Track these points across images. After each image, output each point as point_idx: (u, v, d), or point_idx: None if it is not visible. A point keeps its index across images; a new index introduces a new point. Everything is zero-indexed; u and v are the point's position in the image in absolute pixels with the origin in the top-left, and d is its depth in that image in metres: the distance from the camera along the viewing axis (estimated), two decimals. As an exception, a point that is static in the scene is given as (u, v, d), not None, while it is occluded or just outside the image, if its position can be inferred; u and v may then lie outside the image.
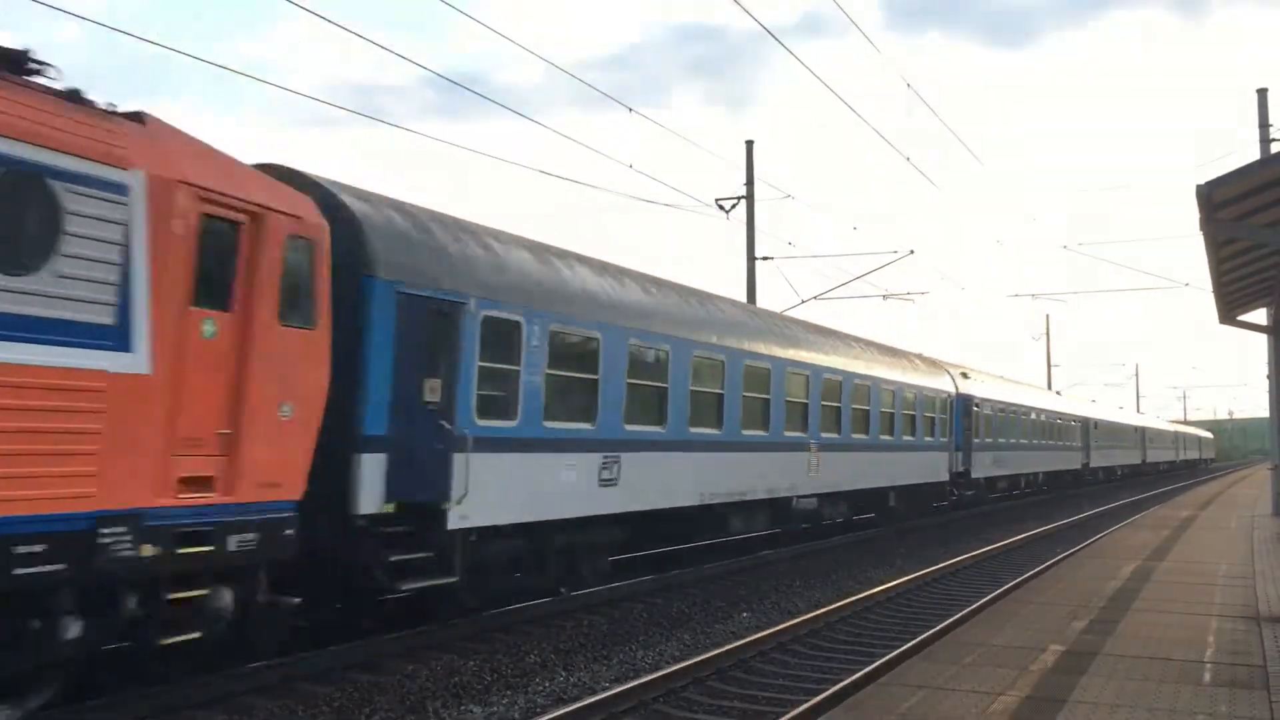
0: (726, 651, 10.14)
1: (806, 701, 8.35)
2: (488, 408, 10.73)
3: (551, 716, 7.82)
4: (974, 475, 28.73)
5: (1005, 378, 37.54)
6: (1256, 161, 13.08)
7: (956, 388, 27.85)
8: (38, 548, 6.30)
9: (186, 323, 7.29)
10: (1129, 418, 64.29)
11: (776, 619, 12.51)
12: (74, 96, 6.85)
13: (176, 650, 7.59)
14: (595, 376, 12.63)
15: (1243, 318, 21.57)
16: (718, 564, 16.56)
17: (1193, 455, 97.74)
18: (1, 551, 6.14)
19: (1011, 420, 33.13)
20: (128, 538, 6.82)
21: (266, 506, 7.94)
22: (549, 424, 11.71)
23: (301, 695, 8.58)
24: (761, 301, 26.86)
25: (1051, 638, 8.74)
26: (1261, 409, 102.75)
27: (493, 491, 10.65)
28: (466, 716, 8.30)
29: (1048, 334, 63.28)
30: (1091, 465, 47.82)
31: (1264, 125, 22.23)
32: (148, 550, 6.97)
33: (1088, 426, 46.85)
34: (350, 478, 9.14)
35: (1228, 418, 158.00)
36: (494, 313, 10.85)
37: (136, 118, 7.29)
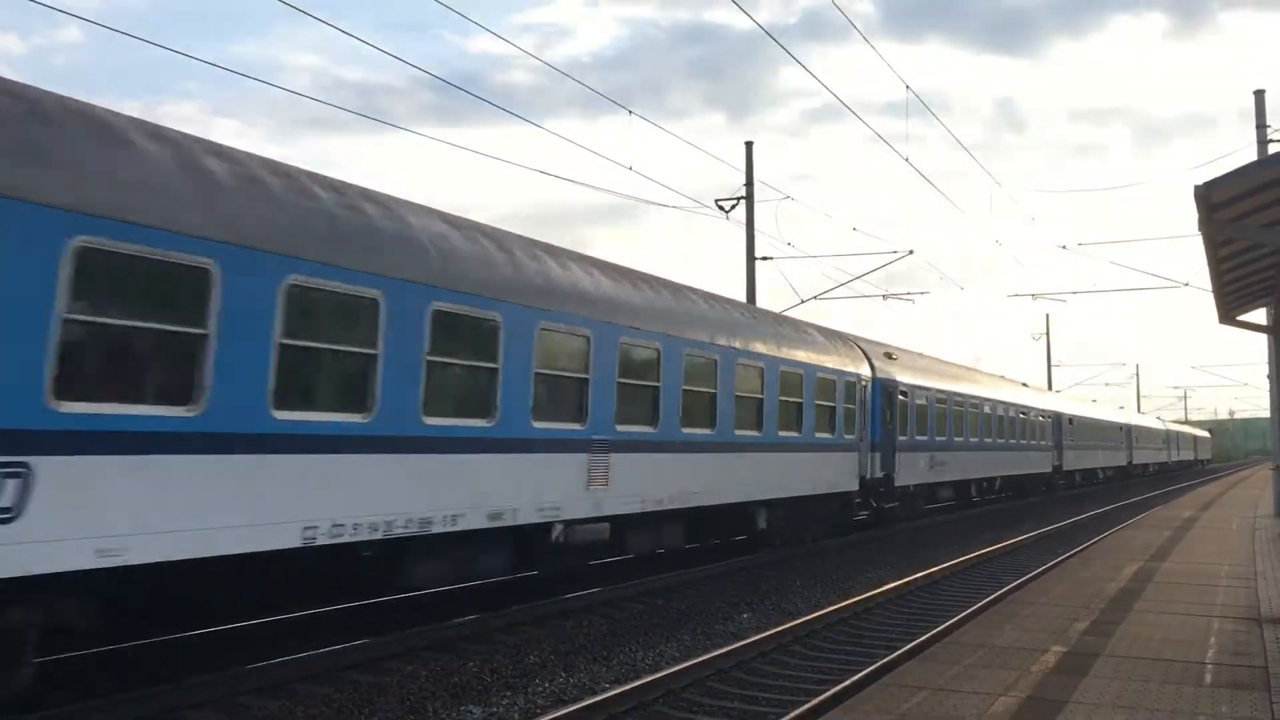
0: (726, 652, 10.13)
1: (806, 702, 8.34)
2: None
3: (551, 717, 7.81)
4: (899, 482, 22.97)
5: (951, 363, 31.22)
6: (1255, 162, 13.07)
7: (874, 371, 21.84)
8: None
9: None
10: (1111, 413, 57.57)
11: (777, 619, 12.50)
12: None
13: (176, 650, 7.57)
14: None
15: (1242, 318, 21.57)
16: (718, 564, 16.55)
17: (1187, 456, 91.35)
18: None
19: (957, 414, 27.60)
20: None
21: None
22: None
23: (301, 695, 8.57)
24: (762, 301, 26.87)
25: (1052, 639, 8.74)
26: (1262, 409, 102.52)
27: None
28: (466, 717, 8.28)
29: (1047, 334, 63.28)
30: (1065, 468, 42.11)
31: (1261, 126, 22.25)
32: None
33: (1060, 423, 41.17)
34: None
35: (1229, 417, 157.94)
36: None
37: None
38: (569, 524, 11.88)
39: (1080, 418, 45.13)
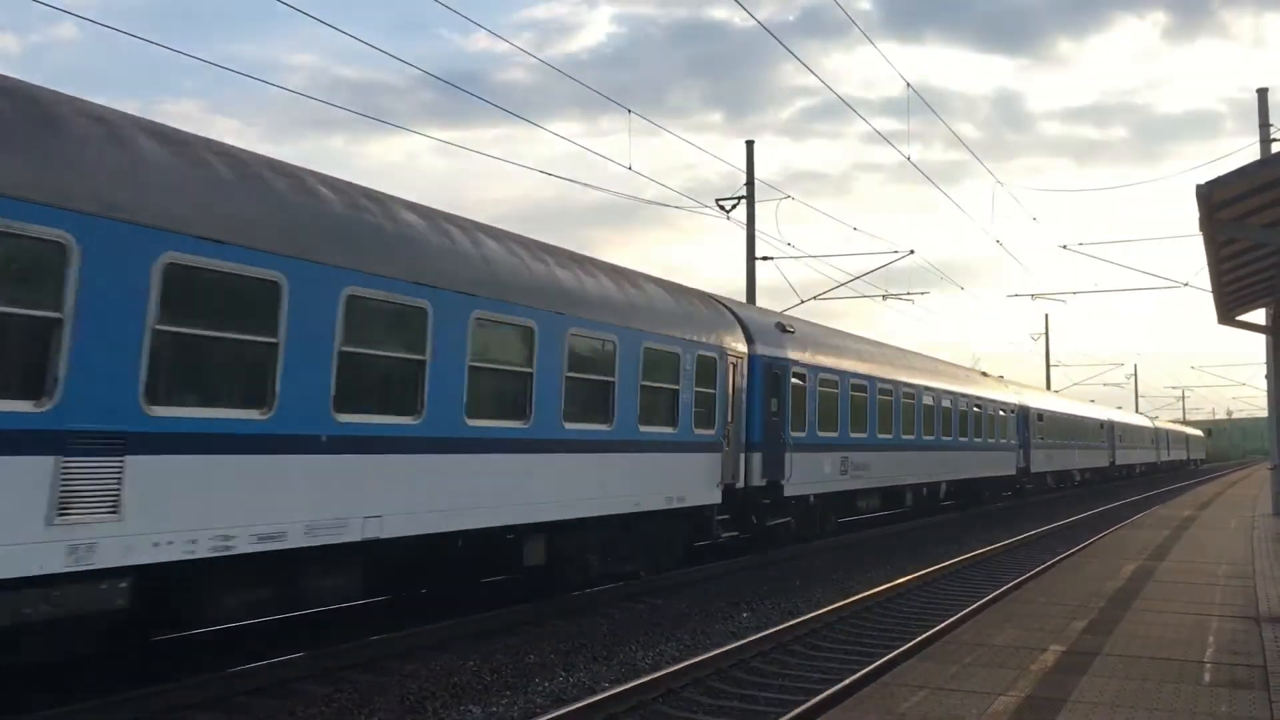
0: (726, 651, 10.14)
1: (806, 701, 8.35)
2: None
3: (551, 717, 7.82)
4: (791, 492, 17.64)
5: (877, 342, 25.17)
6: (1256, 162, 13.10)
7: (753, 346, 16.68)
8: None
9: None
10: (1090, 408, 51.85)
11: (776, 619, 12.50)
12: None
13: (176, 650, 7.58)
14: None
15: (1242, 318, 21.58)
16: (718, 564, 16.56)
17: (1179, 456, 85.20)
18: None
19: (884, 406, 22.47)
20: None
21: None
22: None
23: (301, 695, 8.57)
24: (762, 301, 26.87)
25: (1052, 638, 8.74)
26: (1260, 409, 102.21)
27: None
28: (466, 717, 8.29)
29: (1046, 334, 63.26)
30: (1034, 470, 36.77)
31: (1264, 125, 22.27)
32: None
33: (1028, 418, 35.84)
34: None
35: (1227, 417, 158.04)
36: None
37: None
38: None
39: (1052, 413, 40.22)
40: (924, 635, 11.08)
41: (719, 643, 10.90)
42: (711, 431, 15.16)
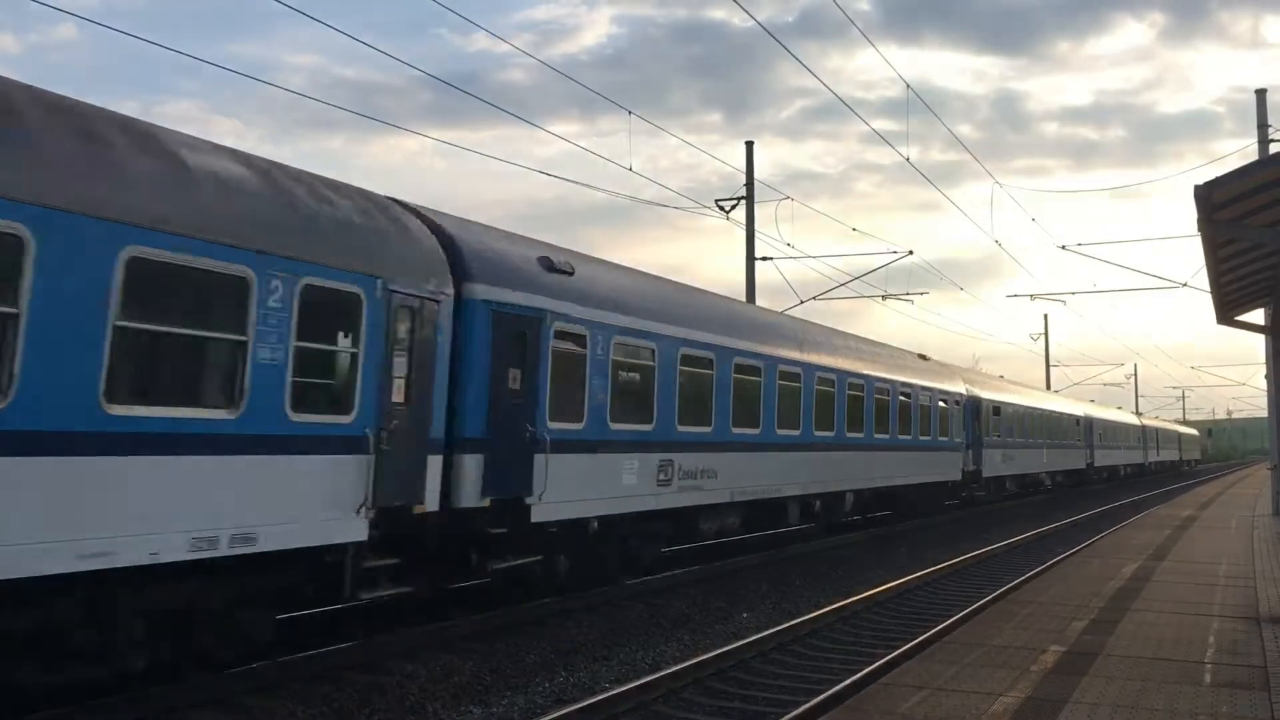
0: (726, 652, 10.14)
1: (806, 701, 8.35)
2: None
3: (551, 717, 7.82)
4: (541, 517, 11.56)
5: (740, 302, 20.70)
6: (1255, 162, 13.10)
7: (465, 281, 10.78)
8: None
9: None
10: (1060, 402, 45.17)
11: (776, 619, 12.50)
12: None
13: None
14: None
15: (1241, 318, 21.58)
16: (717, 564, 16.56)
17: (1169, 456, 78.41)
18: None
19: (743, 389, 16.21)
20: None
21: None
22: None
23: (301, 695, 8.57)
24: (762, 301, 26.87)
25: (1052, 638, 8.74)
26: (1260, 409, 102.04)
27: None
28: (466, 717, 8.29)
29: (1046, 334, 63.23)
30: (988, 474, 30.53)
31: (1263, 125, 22.27)
32: None
33: (977, 411, 29.73)
34: None
35: (1226, 417, 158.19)
36: None
37: None
38: None
39: (1011, 405, 34.01)
40: (924, 635, 11.09)
41: (719, 643, 10.90)
42: (342, 418, 9.04)
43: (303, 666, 9.19)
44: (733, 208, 27.19)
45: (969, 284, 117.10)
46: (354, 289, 9.17)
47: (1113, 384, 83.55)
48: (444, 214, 11.67)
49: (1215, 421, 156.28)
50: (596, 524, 12.72)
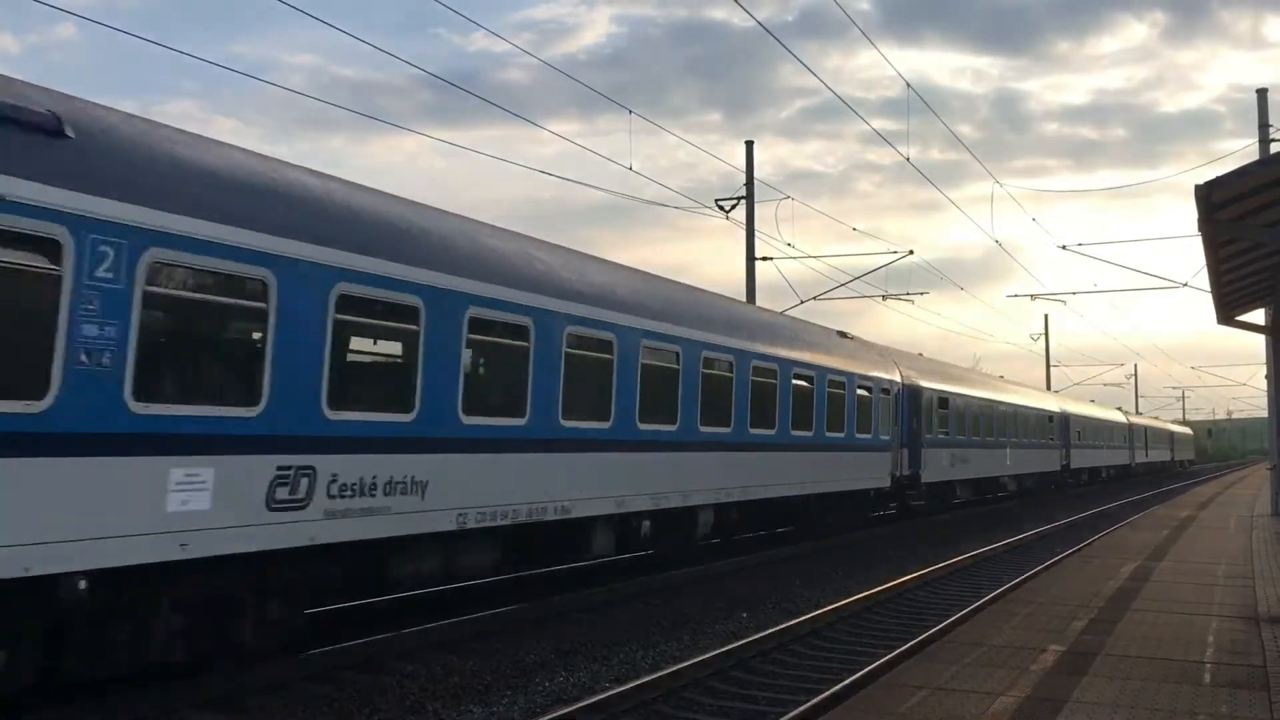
0: (726, 651, 10.14)
1: (806, 701, 8.35)
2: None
3: (551, 717, 7.82)
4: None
5: (552, 245, 13.34)
6: (1255, 162, 13.10)
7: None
8: None
9: None
10: (1028, 395, 39.05)
11: (776, 619, 12.51)
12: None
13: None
14: None
15: (1241, 318, 21.59)
16: (718, 564, 16.56)
17: (1159, 457, 72.60)
18: None
19: (575, 366, 11.88)
20: None
21: None
22: None
23: (301, 695, 8.58)
24: (762, 301, 26.88)
25: (1051, 638, 8.75)
26: (1259, 409, 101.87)
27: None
28: (466, 717, 8.29)
29: (1046, 334, 63.24)
30: (930, 479, 25.43)
31: (1263, 125, 22.28)
32: None
33: (916, 403, 24.60)
34: None
35: (1226, 417, 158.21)
36: None
37: None
38: None
39: (962, 397, 28.48)
40: (924, 635, 11.10)
41: (719, 643, 10.91)
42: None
43: (303, 666, 9.19)
44: (733, 207, 27.21)
45: (969, 284, 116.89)
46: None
47: (1113, 384, 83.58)
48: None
49: (1215, 421, 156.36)
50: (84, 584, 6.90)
